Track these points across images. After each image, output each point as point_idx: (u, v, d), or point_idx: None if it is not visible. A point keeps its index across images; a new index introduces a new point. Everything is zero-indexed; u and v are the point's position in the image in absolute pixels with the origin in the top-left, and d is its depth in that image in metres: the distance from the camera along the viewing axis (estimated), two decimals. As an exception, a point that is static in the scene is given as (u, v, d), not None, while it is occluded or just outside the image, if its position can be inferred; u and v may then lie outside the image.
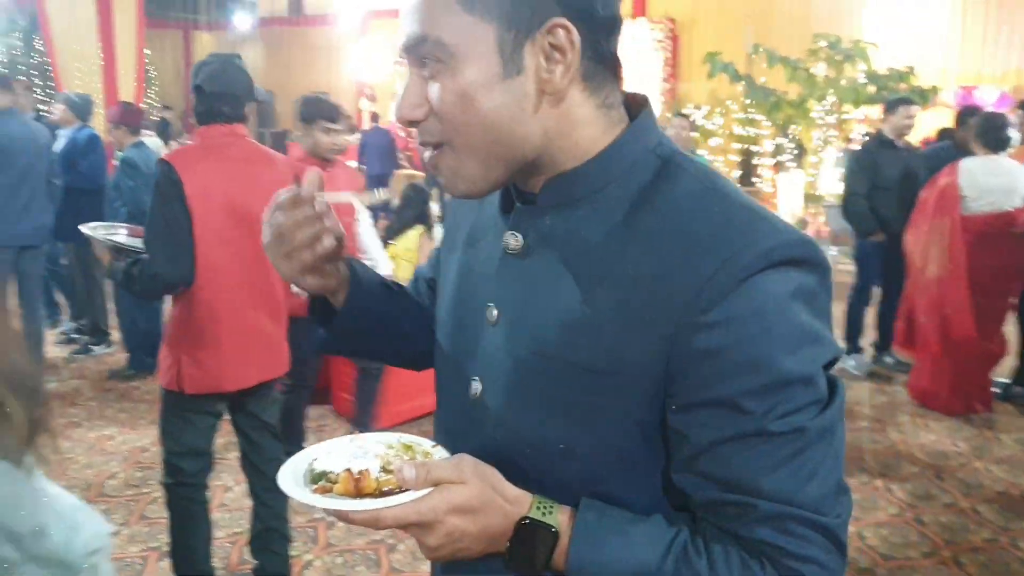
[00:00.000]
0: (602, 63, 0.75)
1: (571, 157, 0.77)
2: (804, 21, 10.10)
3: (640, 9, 14.16)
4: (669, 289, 0.69)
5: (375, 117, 11.85)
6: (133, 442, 4.02)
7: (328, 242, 0.83)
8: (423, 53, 0.72)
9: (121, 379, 4.93)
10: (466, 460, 0.75)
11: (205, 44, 18.39)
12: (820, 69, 8.47)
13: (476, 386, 0.83)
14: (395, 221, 3.99)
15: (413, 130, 0.77)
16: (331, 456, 0.76)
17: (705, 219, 0.71)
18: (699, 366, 0.68)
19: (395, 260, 3.83)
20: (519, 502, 0.74)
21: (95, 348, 5.45)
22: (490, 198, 0.89)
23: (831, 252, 8.47)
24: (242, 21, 16.84)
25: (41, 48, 11.99)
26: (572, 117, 0.75)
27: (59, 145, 5.14)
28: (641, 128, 0.78)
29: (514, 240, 0.81)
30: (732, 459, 0.69)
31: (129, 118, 4.85)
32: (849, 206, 5.08)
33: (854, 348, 5.24)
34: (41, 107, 6.93)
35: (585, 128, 0.76)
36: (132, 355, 5.01)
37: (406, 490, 0.71)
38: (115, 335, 5.40)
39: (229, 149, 2.35)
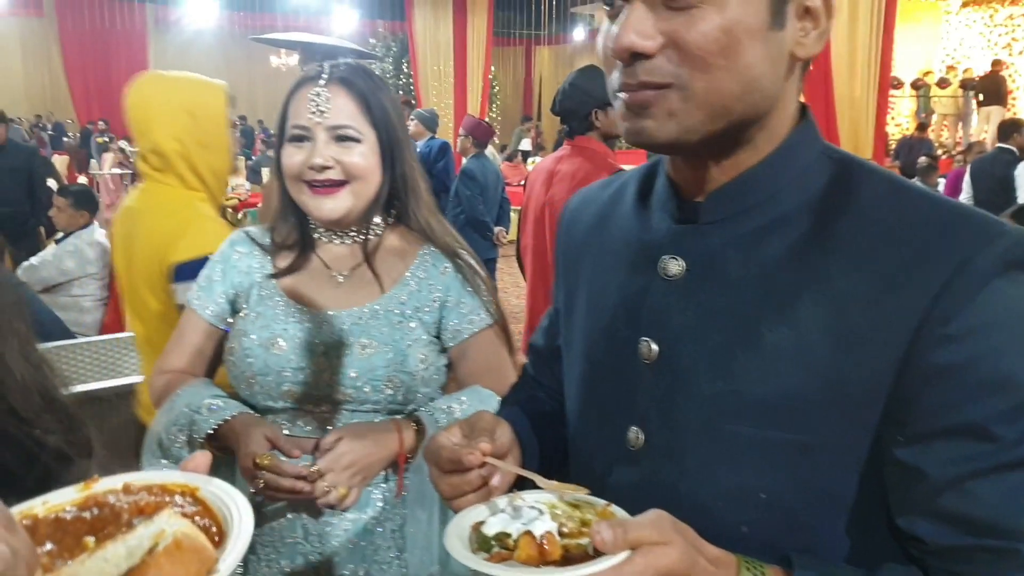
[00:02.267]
0: None
1: (767, 139, 0.70)
2: None
3: None
4: (894, 302, 0.62)
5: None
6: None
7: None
8: None
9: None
10: (664, 517, 0.62)
11: (544, 58, 19.53)
12: None
13: (636, 435, 0.74)
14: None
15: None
16: (497, 517, 0.66)
17: (918, 222, 0.64)
18: (937, 387, 0.60)
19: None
20: (725, 565, 0.62)
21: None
22: (616, 219, 0.82)
23: None
24: (579, 33, 17.57)
25: (407, 70, 13.60)
26: (788, 93, 0.69)
27: (413, 154, 5.77)
28: (810, 127, 0.72)
29: (675, 265, 0.72)
30: (984, 496, 0.60)
31: (479, 133, 5.20)
32: None
33: None
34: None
35: (787, 109, 0.70)
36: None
37: (593, 555, 0.60)
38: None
39: (563, 161, 2.67)
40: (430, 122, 6.00)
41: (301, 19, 12.76)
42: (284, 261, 1.28)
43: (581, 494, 0.68)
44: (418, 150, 5.81)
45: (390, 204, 1.28)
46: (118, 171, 11.00)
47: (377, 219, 1.27)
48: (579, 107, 2.55)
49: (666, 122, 0.65)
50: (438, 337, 1.27)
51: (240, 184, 6.42)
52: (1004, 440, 0.58)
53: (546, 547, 0.62)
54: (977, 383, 0.59)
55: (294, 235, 1.28)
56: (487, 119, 13.68)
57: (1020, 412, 0.59)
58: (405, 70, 13.87)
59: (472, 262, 1.30)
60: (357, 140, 1.18)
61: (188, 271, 1.56)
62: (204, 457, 0.63)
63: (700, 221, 0.72)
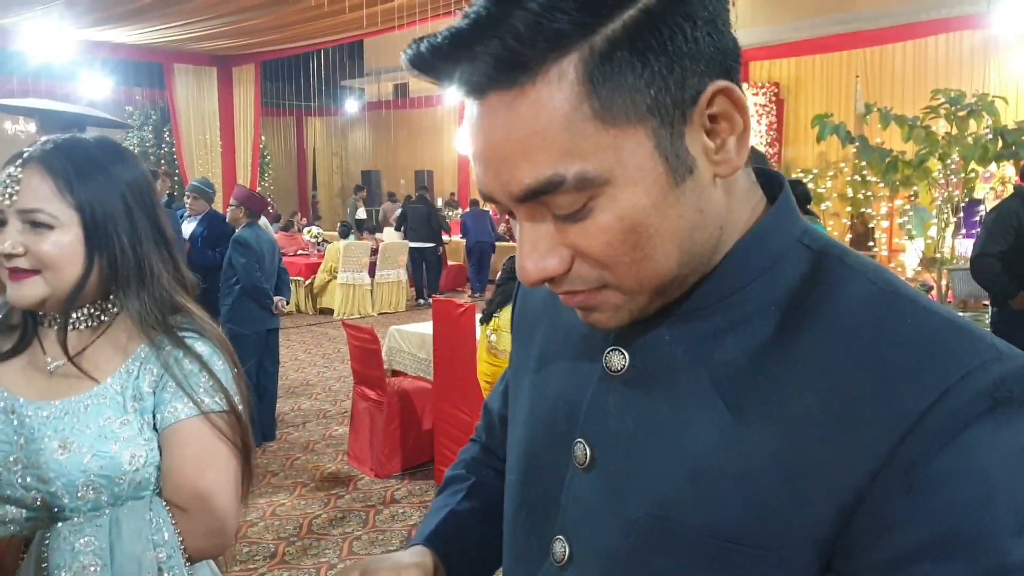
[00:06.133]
0: None
1: (727, 242, 0.59)
2: (920, 77, 9.69)
3: (743, 75, 14.02)
4: (856, 433, 0.51)
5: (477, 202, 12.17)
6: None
7: None
8: (555, 200, 0.53)
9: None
10: None
11: (317, 128, 19.43)
12: (940, 126, 8.03)
13: (561, 548, 0.65)
14: (496, 294, 3.90)
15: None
16: None
17: (898, 337, 0.53)
18: (894, 540, 0.50)
19: (498, 332, 3.73)
20: None
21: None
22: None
23: (962, 319, 7.93)
24: (351, 106, 17.72)
25: (169, 139, 12.90)
26: (736, 198, 0.59)
27: (189, 229, 5.41)
28: (785, 210, 0.60)
29: (619, 359, 0.62)
30: None
31: (253, 204, 5.00)
32: (980, 267, 4.65)
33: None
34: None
35: (743, 206, 0.60)
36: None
37: None
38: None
39: None
40: (208, 195, 5.62)
41: (43, 83, 11.71)
42: (6, 343, 1.19)
43: None
44: (193, 225, 5.40)
45: (110, 289, 1.18)
46: None
47: (99, 304, 1.17)
48: None
49: (615, 313, 0.59)
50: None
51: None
52: None
53: None
54: (942, 541, 0.49)
55: (17, 316, 1.20)
56: (259, 189, 13.29)
57: None
58: (168, 139, 13.14)
59: (196, 346, 1.18)
60: (50, 226, 1.09)
61: None
62: None
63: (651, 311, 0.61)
